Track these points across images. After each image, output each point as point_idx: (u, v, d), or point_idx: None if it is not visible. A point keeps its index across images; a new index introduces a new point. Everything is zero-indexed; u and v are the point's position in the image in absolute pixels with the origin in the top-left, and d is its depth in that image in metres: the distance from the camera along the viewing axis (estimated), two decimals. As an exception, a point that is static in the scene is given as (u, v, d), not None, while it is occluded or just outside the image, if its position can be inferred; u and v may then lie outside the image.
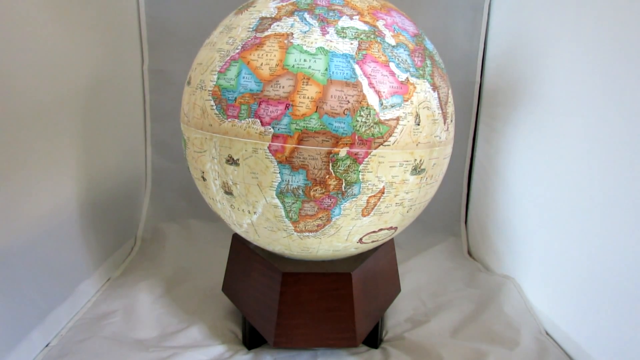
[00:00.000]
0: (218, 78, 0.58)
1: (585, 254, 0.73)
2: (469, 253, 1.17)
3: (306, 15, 0.57)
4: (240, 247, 0.78)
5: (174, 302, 0.88)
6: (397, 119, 0.55)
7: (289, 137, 0.54)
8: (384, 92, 0.55)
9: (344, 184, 0.56)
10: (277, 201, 0.58)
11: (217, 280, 0.91)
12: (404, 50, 0.58)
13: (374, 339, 0.76)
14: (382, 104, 0.55)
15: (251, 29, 0.59)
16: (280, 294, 0.67)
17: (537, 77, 0.88)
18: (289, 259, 0.71)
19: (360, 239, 0.64)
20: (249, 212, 0.61)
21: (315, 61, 0.54)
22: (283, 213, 0.59)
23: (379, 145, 0.55)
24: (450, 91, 0.65)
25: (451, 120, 0.65)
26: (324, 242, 0.62)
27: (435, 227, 1.22)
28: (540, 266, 0.86)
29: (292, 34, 0.56)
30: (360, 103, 0.54)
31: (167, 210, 1.22)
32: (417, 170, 0.59)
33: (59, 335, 0.75)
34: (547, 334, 0.81)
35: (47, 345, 0.72)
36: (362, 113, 0.54)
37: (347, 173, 0.56)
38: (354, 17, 0.58)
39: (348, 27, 0.56)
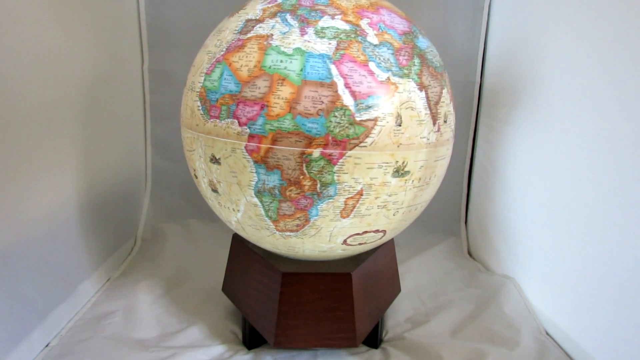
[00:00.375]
0: (204, 80, 0.60)
1: (586, 254, 0.73)
2: (469, 253, 1.17)
3: (288, 17, 0.58)
4: (240, 247, 0.78)
5: (174, 302, 0.88)
6: (375, 119, 0.54)
7: (264, 138, 0.55)
8: (360, 92, 0.54)
9: (319, 185, 0.56)
10: (256, 200, 0.59)
11: (217, 280, 0.91)
12: (388, 49, 0.57)
13: (374, 339, 0.76)
14: (357, 105, 0.54)
15: (236, 31, 0.59)
16: (280, 294, 0.67)
17: (537, 77, 0.88)
18: (289, 258, 0.71)
19: (345, 241, 0.63)
20: (234, 210, 0.62)
21: (291, 62, 0.54)
22: (263, 212, 0.60)
23: (355, 147, 0.54)
24: (446, 91, 0.63)
25: (445, 121, 0.62)
26: (307, 242, 0.62)
27: (435, 227, 1.22)
28: (540, 266, 0.86)
29: (272, 35, 0.56)
30: (334, 104, 0.53)
31: (167, 210, 1.22)
32: (399, 172, 0.58)
33: (59, 335, 0.75)
34: (547, 334, 0.81)
35: (47, 345, 0.72)
36: (336, 114, 0.53)
37: (321, 174, 0.55)
38: (335, 17, 0.57)
39: (328, 27, 0.56)
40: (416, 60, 0.58)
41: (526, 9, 0.95)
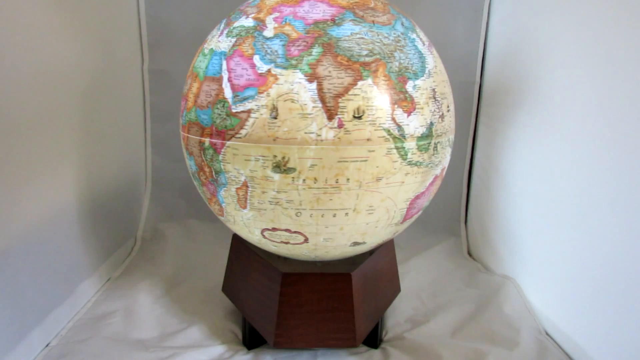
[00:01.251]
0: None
1: (586, 254, 0.73)
2: (469, 253, 1.17)
3: (223, 22, 0.63)
4: (240, 247, 0.78)
5: (174, 302, 0.88)
6: (249, 111, 0.55)
7: (185, 127, 0.63)
8: (239, 84, 0.55)
9: (213, 172, 0.60)
10: (195, 182, 0.67)
11: (217, 280, 0.91)
12: (280, 40, 0.55)
13: (374, 339, 0.76)
14: (234, 97, 0.56)
15: None
16: (280, 294, 0.67)
17: (537, 77, 0.88)
18: (290, 258, 0.71)
19: (263, 234, 0.63)
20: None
21: (204, 61, 0.61)
22: (201, 193, 0.67)
23: (232, 137, 0.56)
24: (370, 82, 0.54)
25: (356, 117, 0.54)
26: (238, 229, 0.66)
27: (435, 227, 1.22)
28: (540, 266, 0.86)
29: (208, 39, 0.63)
30: (218, 96, 0.57)
31: (167, 210, 1.22)
32: (280, 168, 0.55)
33: (59, 335, 0.75)
34: (547, 334, 0.81)
35: (47, 345, 0.72)
36: (218, 106, 0.57)
37: (212, 162, 0.59)
38: (249, 16, 0.59)
39: (237, 27, 0.59)
40: (315, 50, 0.54)
41: (526, 9, 0.95)
